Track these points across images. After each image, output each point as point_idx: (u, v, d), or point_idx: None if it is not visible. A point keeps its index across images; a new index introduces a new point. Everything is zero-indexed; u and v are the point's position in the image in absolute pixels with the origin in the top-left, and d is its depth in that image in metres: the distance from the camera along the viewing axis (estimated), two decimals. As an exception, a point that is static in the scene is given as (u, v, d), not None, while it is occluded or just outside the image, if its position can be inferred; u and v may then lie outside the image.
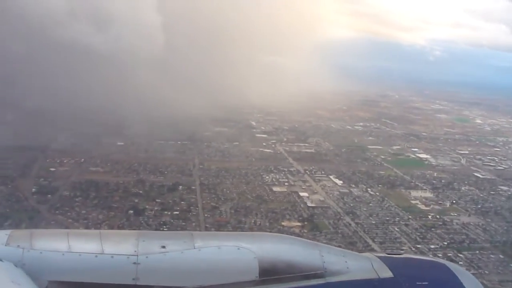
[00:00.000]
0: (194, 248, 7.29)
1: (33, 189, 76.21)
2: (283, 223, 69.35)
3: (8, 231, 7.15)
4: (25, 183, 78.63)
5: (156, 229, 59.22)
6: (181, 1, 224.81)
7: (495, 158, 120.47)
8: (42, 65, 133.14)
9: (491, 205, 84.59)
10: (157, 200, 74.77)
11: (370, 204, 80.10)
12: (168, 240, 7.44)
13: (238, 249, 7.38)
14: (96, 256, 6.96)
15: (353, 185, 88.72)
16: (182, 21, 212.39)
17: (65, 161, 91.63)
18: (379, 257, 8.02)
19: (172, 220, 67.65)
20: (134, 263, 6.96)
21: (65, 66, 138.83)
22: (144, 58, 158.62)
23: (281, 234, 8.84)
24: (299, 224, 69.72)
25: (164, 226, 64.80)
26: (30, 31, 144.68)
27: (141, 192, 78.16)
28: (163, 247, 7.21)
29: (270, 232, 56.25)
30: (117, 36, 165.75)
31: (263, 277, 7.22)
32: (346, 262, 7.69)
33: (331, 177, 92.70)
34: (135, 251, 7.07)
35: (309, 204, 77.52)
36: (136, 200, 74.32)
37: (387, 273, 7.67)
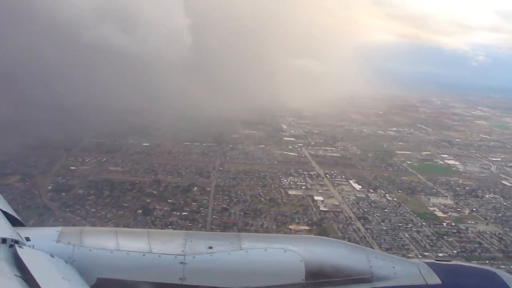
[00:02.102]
0: (241, 250, 7.42)
1: (50, 187, 77.90)
2: (290, 227, 68.83)
3: (59, 228, 7.41)
4: (43, 180, 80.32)
5: (161, 229, 59.74)
6: (211, 3, 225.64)
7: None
8: (72, 66, 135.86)
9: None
10: (168, 201, 75.40)
11: (385, 210, 78.76)
12: (215, 241, 7.60)
13: (285, 251, 7.46)
14: (144, 255, 7.17)
15: (372, 190, 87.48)
16: (212, 23, 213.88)
17: (87, 160, 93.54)
18: (428, 264, 7.97)
19: (179, 221, 68.00)
20: (181, 262, 7.13)
21: (95, 67, 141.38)
22: (174, 60, 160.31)
23: (328, 238, 8.96)
24: (306, 227, 69.00)
25: (170, 227, 65.27)
26: (60, 33, 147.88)
27: (154, 192, 78.91)
28: (210, 247, 7.36)
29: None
30: (146, 38, 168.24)
31: (309, 280, 7.27)
32: (393, 267, 7.69)
33: (350, 181, 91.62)
34: (183, 251, 7.24)
35: (322, 208, 76.80)
36: (148, 200, 75.10)
37: (435, 280, 7.63)
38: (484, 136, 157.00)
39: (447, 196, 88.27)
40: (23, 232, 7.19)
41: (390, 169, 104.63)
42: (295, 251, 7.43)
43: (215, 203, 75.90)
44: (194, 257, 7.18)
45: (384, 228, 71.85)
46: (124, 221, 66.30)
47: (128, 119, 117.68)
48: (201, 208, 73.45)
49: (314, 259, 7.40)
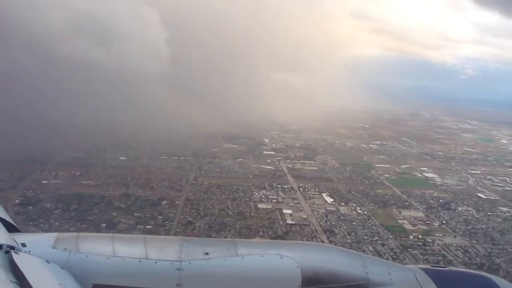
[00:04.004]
0: (237, 256, 7.50)
1: (17, 201, 77.39)
2: (253, 240, 68.39)
3: (55, 234, 7.52)
4: (12, 194, 79.68)
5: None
6: (189, 17, 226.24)
7: (507, 179, 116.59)
8: (49, 80, 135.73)
9: (484, 226, 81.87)
10: (135, 214, 75.23)
11: (353, 223, 78.47)
12: (212, 247, 7.67)
13: (281, 257, 7.53)
14: (140, 261, 7.24)
15: (343, 204, 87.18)
16: (191, 36, 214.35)
17: (60, 174, 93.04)
18: (424, 270, 8.02)
19: (141, 234, 67.61)
20: (178, 269, 7.19)
21: (72, 81, 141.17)
22: (152, 74, 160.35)
23: (324, 244, 9.12)
24: (269, 241, 68.63)
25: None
26: (35, 47, 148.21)
27: (122, 206, 78.67)
28: (207, 254, 7.43)
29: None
30: (123, 52, 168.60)
31: (305, 287, 7.32)
32: (389, 273, 7.75)
33: (323, 195, 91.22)
34: (179, 257, 7.31)
35: (289, 222, 76.61)
36: (114, 214, 74.85)
37: (431, 286, 7.67)
38: (467, 149, 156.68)
39: (419, 209, 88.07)
40: (19, 238, 7.28)
41: (366, 182, 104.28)
42: (291, 257, 7.48)
43: (182, 217, 75.85)
44: (190, 263, 7.23)
45: (349, 241, 71.55)
46: (86, 235, 65.89)
47: (106, 133, 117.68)
48: (166, 222, 73.33)
49: (310, 265, 7.44)
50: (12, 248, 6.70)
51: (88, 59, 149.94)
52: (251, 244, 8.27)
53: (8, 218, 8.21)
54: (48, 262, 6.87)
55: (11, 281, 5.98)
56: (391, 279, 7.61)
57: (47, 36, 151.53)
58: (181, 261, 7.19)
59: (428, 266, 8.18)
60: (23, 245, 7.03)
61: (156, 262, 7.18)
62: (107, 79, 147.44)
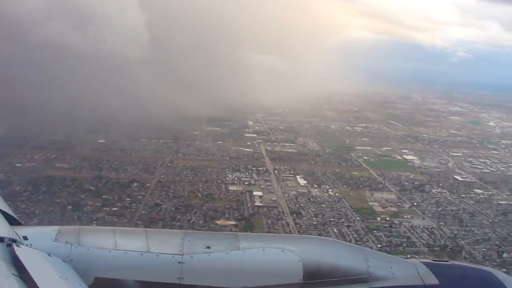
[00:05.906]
0: (239, 249, 7.54)
1: (-13, 184, 77.44)
2: (217, 222, 68.51)
3: (56, 227, 7.58)
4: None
5: (83, 224, 59.30)
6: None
7: (487, 161, 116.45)
8: (28, 65, 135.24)
9: (454, 208, 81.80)
10: (103, 196, 75.11)
11: (322, 205, 78.37)
12: (213, 241, 7.73)
13: (283, 251, 7.57)
14: (142, 254, 7.31)
15: (316, 186, 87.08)
16: (171, 19, 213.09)
17: (35, 157, 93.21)
18: (425, 264, 8.09)
19: (105, 216, 67.70)
20: (179, 262, 7.26)
21: (52, 66, 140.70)
22: (132, 57, 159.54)
23: (326, 238, 9.28)
24: (234, 223, 68.72)
25: (94, 222, 64.71)
26: (12, 31, 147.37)
27: (92, 188, 78.64)
28: (208, 247, 7.49)
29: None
30: (99, 35, 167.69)
31: (307, 280, 7.39)
32: (391, 267, 7.80)
33: (297, 177, 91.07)
34: (180, 250, 7.37)
35: (257, 204, 76.54)
36: (82, 196, 74.70)
37: (432, 280, 7.75)
38: (453, 132, 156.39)
39: (392, 191, 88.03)
40: (21, 231, 7.33)
41: (344, 164, 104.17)
42: (293, 251, 7.52)
43: (150, 199, 75.79)
44: (192, 256, 7.29)
45: (314, 223, 71.51)
46: (50, 217, 65.49)
47: (86, 117, 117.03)
48: (133, 204, 73.25)
49: (312, 259, 7.50)
50: (14, 241, 6.73)
51: (66, 43, 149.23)
52: (253, 237, 8.33)
53: (9, 211, 8.28)
54: (49, 255, 6.89)
55: (13, 274, 6.00)
56: (392, 273, 7.66)
57: (23, 19, 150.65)
58: (182, 255, 7.26)
59: (429, 260, 8.27)
60: (25, 238, 7.08)
61: (157, 256, 7.24)
62: (86, 63, 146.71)
